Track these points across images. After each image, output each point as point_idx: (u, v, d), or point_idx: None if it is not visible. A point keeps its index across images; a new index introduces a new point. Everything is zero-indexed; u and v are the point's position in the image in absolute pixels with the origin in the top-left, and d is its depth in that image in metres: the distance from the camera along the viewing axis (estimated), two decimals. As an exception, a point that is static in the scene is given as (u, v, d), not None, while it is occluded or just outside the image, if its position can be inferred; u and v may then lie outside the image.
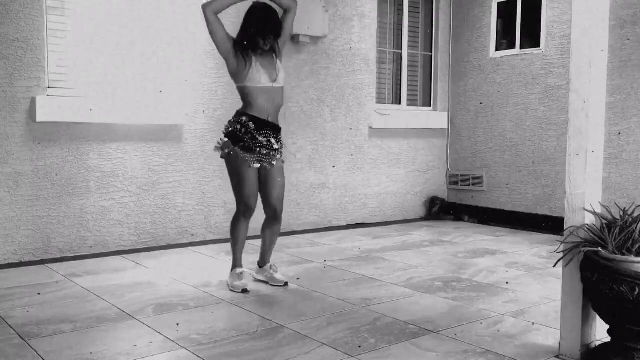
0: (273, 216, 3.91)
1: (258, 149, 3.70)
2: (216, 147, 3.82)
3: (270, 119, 3.74)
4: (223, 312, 3.41)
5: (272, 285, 3.95)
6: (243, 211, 3.81)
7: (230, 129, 3.72)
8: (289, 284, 3.98)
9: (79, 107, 4.64)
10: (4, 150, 4.40)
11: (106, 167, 4.84)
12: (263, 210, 3.93)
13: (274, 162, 3.78)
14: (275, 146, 3.76)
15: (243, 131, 3.68)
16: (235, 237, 3.89)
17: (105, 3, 4.82)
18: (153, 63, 5.08)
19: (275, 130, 3.78)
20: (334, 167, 5.99)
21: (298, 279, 4.13)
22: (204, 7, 3.63)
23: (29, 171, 4.50)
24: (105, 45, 4.85)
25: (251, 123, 3.67)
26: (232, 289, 3.82)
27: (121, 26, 4.91)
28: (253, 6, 3.76)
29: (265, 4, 3.77)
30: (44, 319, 3.23)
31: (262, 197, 3.87)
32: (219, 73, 5.34)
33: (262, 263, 4.07)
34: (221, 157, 3.81)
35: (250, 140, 3.68)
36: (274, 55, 3.81)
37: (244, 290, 3.78)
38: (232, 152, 3.71)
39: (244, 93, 3.74)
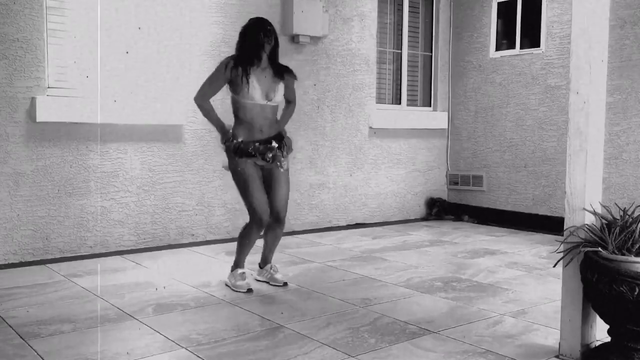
0: (276, 220, 3.92)
1: (257, 155, 3.74)
2: (223, 166, 3.91)
3: (263, 133, 3.75)
4: (223, 312, 3.41)
5: (272, 285, 3.96)
6: (257, 223, 3.78)
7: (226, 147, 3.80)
8: (288, 284, 3.99)
9: (79, 107, 4.64)
10: (4, 150, 4.40)
11: (106, 167, 4.84)
12: None
13: (279, 163, 3.80)
14: (276, 148, 3.78)
15: (237, 147, 3.73)
16: (244, 244, 3.90)
17: (105, 3, 4.82)
18: (153, 63, 5.08)
19: (275, 138, 3.81)
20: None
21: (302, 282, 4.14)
22: (194, 101, 3.83)
23: (29, 171, 4.50)
24: (105, 45, 4.85)
25: (242, 143, 3.73)
26: (235, 289, 3.83)
27: (121, 26, 4.91)
28: (247, 24, 3.82)
29: (257, 19, 3.82)
30: (44, 319, 3.23)
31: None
32: (219, 73, 5.35)
33: (263, 264, 4.09)
34: (229, 169, 3.84)
35: (247, 150, 3.72)
36: (277, 76, 3.82)
37: (249, 290, 3.80)
38: (236, 165, 3.75)
39: (235, 106, 3.81)
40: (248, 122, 3.74)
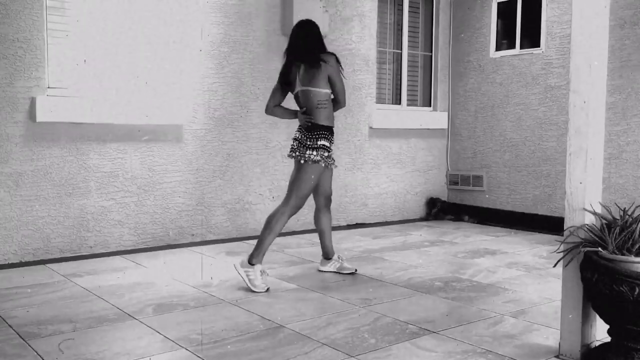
0: (327, 202, 4.26)
1: (328, 154, 4.05)
2: (303, 157, 3.95)
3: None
4: (223, 312, 3.41)
5: (342, 274, 4.24)
6: (294, 212, 3.97)
7: (320, 141, 3.98)
8: (289, 283, 3.99)
9: (79, 107, 4.64)
10: (4, 150, 4.40)
11: (106, 167, 4.84)
12: (317, 203, 4.23)
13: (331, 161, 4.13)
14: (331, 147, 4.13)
15: (327, 143, 4.02)
16: (275, 232, 3.89)
17: (105, 3, 4.82)
18: (153, 63, 5.08)
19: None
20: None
21: (356, 270, 4.14)
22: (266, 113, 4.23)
23: (29, 171, 4.50)
24: (105, 45, 4.85)
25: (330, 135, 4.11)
26: (253, 288, 3.79)
27: (121, 26, 4.91)
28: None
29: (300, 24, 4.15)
30: (44, 319, 3.23)
31: (318, 189, 4.17)
32: (219, 73, 5.35)
33: (329, 255, 4.32)
34: (312, 162, 3.95)
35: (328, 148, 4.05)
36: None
37: (268, 290, 3.81)
38: (322, 162, 3.96)
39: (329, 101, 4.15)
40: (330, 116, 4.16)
